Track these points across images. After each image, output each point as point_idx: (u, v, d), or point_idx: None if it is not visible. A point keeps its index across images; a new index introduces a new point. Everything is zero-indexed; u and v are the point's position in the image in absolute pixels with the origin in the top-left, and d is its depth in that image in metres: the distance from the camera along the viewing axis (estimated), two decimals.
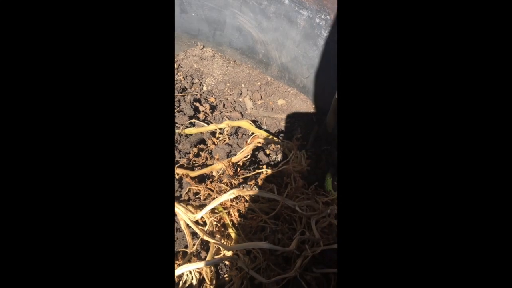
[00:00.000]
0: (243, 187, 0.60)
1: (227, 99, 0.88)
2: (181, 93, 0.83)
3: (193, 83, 0.89)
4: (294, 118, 0.85)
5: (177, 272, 0.49)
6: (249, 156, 0.65)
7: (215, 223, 0.57)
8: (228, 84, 0.92)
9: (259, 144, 0.67)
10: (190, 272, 0.54)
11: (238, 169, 0.63)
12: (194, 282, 0.54)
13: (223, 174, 0.62)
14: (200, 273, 0.55)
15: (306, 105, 0.87)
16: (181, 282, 0.54)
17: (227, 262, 0.58)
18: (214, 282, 0.55)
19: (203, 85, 0.90)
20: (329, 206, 0.59)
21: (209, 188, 0.59)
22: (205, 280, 0.55)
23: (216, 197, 0.55)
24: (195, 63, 0.94)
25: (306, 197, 0.59)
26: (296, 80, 0.88)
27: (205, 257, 0.57)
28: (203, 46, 0.97)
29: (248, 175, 0.63)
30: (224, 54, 0.97)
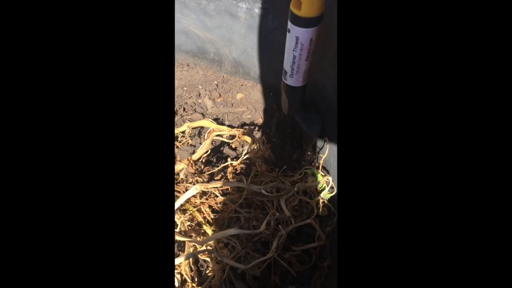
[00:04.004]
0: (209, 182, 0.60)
1: (186, 103, 0.89)
2: None
3: None
4: (254, 109, 0.87)
5: None
6: (211, 152, 0.65)
7: (188, 222, 0.58)
8: (185, 88, 0.92)
9: (221, 139, 0.68)
10: None
11: (203, 167, 0.64)
12: (176, 284, 0.54)
13: (188, 174, 0.62)
14: (181, 275, 0.55)
15: (263, 95, 0.88)
16: None
17: (207, 259, 0.58)
18: (196, 280, 0.55)
19: None
20: (295, 185, 0.61)
21: (176, 190, 0.59)
22: (187, 281, 0.55)
23: None
24: None
25: (272, 180, 0.60)
26: (250, 72, 0.90)
27: None
28: None
29: (214, 170, 0.64)
30: (177, 60, 0.97)
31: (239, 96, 0.90)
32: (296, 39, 0.52)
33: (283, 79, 0.62)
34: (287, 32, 0.53)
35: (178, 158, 0.63)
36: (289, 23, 0.51)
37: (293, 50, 0.54)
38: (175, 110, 0.86)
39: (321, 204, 0.63)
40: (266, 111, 0.86)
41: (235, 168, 0.68)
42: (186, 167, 0.58)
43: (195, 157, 0.61)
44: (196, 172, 0.60)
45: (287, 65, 0.58)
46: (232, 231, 0.48)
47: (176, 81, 0.93)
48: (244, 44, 0.85)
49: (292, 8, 0.49)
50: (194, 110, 0.87)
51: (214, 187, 0.56)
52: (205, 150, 0.63)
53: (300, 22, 0.49)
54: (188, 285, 0.54)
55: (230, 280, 0.56)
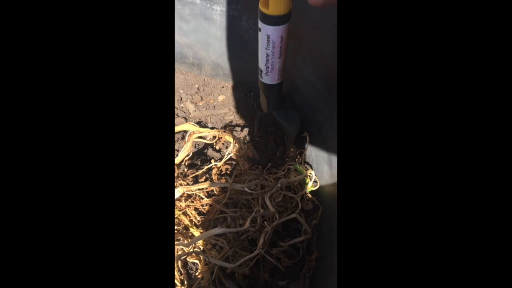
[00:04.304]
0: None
1: None
2: None
3: None
4: (236, 110, 0.87)
5: None
6: (191, 154, 0.66)
7: (175, 226, 0.58)
8: None
9: (203, 141, 0.68)
10: None
11: (186, 170, 0.64)
12: None
13: None
14: None
15: (244, 95, 0.89)
16: None
17: (196, 261, 0.58)
18: (186, 283, 0.55)
19: None
20: (278, 181, 0.61)
21: None
22: (176, 285, 0.55)
23: None
24: None
25: (255, 178, 0.61)
26: (230, 73, 0.91)
27: None
28: None
29: (197, 173, 0.64)
30: None
31: (220, 98, 0.91)
32: (267, 37, 0.52)
33: (259, 78, 0.63)
34: (259, 31, 0.54)
35: None
36: (259, 22, 0.52)
37: (266, 49, 0.55)
38: None
39: (305, 198, 0.64)
40: (248, 111, 0.86)
41: (220, 169, 0.68)
42: None
43: (177, 160, 0.61)
44: (180, 175, 0.60)
45: (261, 63, 0.58)
46: (216, 230, 0.49)
47: None
48: (221, 46, 0.85)
49: (261, 7, 0.50)
50: (177, 115, 0.87)
51: (197, 189, 0.56)
52: (187, 153, 0.63)
53: (269, 20, 0.50)
54: None
55: (220, 280, 0.57)
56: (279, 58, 0.56)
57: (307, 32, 0.61)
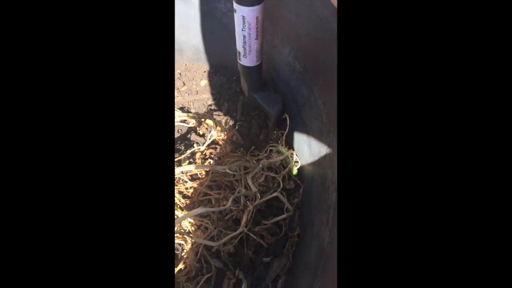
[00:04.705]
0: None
1: None
2: None
3: None
4: (219, 94, 0.87)
5: None
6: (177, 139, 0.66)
7: None
8: None
9: (185, 125, 0.69)
10: None
11: None
12: None
13: None
14: None
15: (226, 79, 0.89)
16: None
17: (182, 242, 0.60)
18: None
19: None
20: (260, 162, 0.63)
21: None
22: None
23: None
24: None
25: (236, 160, 0.62)
26: (211, 58, 0.90)
27: None
28: None
29: (180, 157, 0.65)
30: None
31: (203, 82, 0.91)
32: (243, 18, 0.52)
33: (238, 60, 0.63)
34: (234, 13, 0.53)
35: None
36: (234, 3, 0.52)
37: (242, 30, 0.55)
38: None
39: (287, 178, 0.66)
40: (231, 95, 0.87)
41: (203, 153, 0.69)
42: None
43: None
44: None
45: (239, 45, 0.59)
46: (199, 209, 0.50)
47: None
48: (201, 30, 0.85)
49: None
50: None
51: (180, 172, 0.57)
52: None
53: (244, 1, 0.50)
54: None
55: (205, 259, 0.59)
56: (256, 39, 0.56)
57: (283, 14, 0.61)
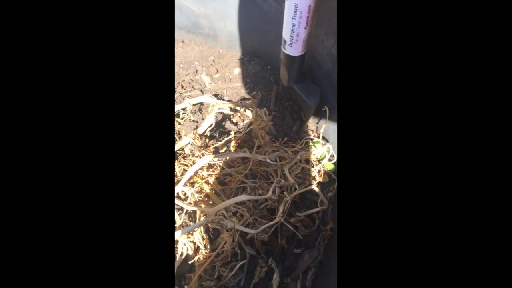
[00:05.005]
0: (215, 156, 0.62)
1: (184, 80, 0.88)
2: None
3: None
4: (253, 83, 0.87)
5: None
6: (214, 126, 0.66)
7: (197, 194, 0.60)
8: (181, 65, 0.91)
9: (222, 111, 0.69)
10: (184, 244, 0.57)
11: (208, 141, 0.65)
12: (190, 252, 0.57)
13: (194, 148, 0.63)
14: (193, 243, 0.58)
15: (261, 68, 0.88)
16: (177, 255, 0.57)
17: (218, 227, 0.61)
18: (208, 247, 0.58)
19: None
20: (298, 154, 0.63)
21: (184, 164, 0.61)
22: (199, 248, 0.58)
23: None
24: None
25: (275, 150, 0.62)
26: (247, 45, 0.89)
27: None
28: None
29: (218, 144, 0.66)
30: None
31: (236, 70, 0.90)
32: (295, 6, 0.51)
33: (282, 49, 0.62)
34: (286, 0, 0.52)
35: (183, 133, 0.64)
36: None
37: (292, 18, 0.54)
38: (174, 87, 0.86)
39: (322, 172, 0.65)
40: (264, 85, 0.86)
41: (238, 141, 0.69)
42: (193, 140, 0.59)
43: (200, 130, 0.62)
44: (202, 145, 0.62)
45: (286, 34, 0.58)
46: (241, 197, 0.50)
47: None
48: (239, 17, 0.84)
49: None
50: (193, 87, 0.87)
51: (222, 159, 0.57)
52: (210, 124, 0.64)
53: None
54: (201, 252, 0.57)
55: (240, 245, 0.59)
56: (305, 28, 0.55)
57: (333, 4, 0.59)
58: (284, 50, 0.61)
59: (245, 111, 0.65)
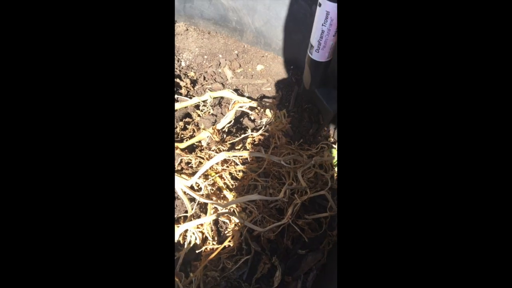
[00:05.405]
0: (231, 152, 0.63)
1: (206, 72, 0.90)
2: None
3: None
4: (274, 82, 0.87)
5: (179, 230, 0.54)
6: (232, 122, 0.68)
7: (210, 187, 0.62)
8: (205, 57, 0.92)
9: (242, 109, 0.70)
10: (193, 233, 0.60)
11: (225, 136, 0.66)
12: (198, 241, 0.60)
13: (211, 142, 0.65)
14: (202, 233, 0.60)
15: (284, 67, 0.88)
16: (185, 243, 0.60)
17: (226, 220, 0.63)
18: (216, 239, 0.60)
19: (181, 61, 0.91)
20: (312, 158, 0.63)
21: (200, 156, 0.62)
22: (207, 238, 0.60)
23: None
24: None
25: (290, 152, 0.63)
26: (272, 43, 0.89)
27: None
28: (175, 21, 0.96)
29: (235, 140, 0.67)
30: (198, 27, 0.96)
31: (259, 67, 0.90)
32: (327, 13, 0.51)
33: (308, 53, 0.62)
34: (318, 6, 0.52)
35: (202, 126, 0.65)
36: None
37: (322, 25, 0.54)
38: (195, 78, 0.88)
39: (335, 177, 0.66)
40: (285, 85, 0.86)
41: (254, 139, 0.71)
42: (211, 135, 0.61)
43: (219, 126, 0.64)
44: (220, 140, 0.63)
45: (314, 39, 0.58)
46: (253, 196, 0.52)
47: (196, 49, 0.93)
48: (267, 14, 0.84)
49: None
50: (214, 80, 0.88)
51: (237, 156, 0.59)
52: (229, 120, 0.65)
53: None
54: (209, 243, 0.59)
55: (246, 241, 0.61)
56: (333, 36, 0.55)
57: None
58: (310, 55, 0.62)
59: (265, 111, 0.66)
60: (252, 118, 0.79)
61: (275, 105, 0.66)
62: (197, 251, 0.59)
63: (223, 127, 0.66)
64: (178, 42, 0.94)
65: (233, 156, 0.61)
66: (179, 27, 0.96)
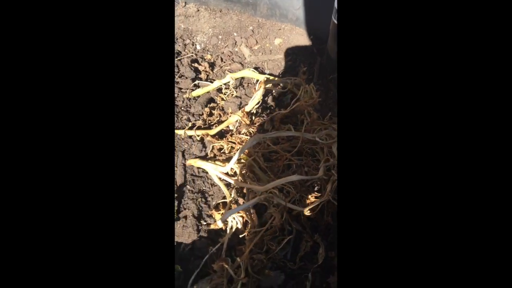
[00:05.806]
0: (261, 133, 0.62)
1: (223, 53, 0.86)
2: (176, 58, 0.82)
3: (185, 45, 0.87)
4: (295, 55, 0.83)
5: (223, 218, 0.55)
6: (260, 103, 0.66)
7: (244, 171, 0.61)
8: (220, 37, 0.89)
9: (267, 88, 0.68)
10: (234, 218, 0.60)
11: (253, 117, 0.65)
12: (239, 226, 0.60)
13: (240, 125, 0.64)
14: (242, 217, 0.60)
15: (303, 38, 0.84)
16: (228, 229, 0.60)
17: (265, 203, 0.63)
18: (256, 222, 0.60)
19: (196, 44, 0.88)
20: None
21: (231, 141, 0.61)
22: (248, 222, 0.60)
23: (239, 147, 0.58)
24: (182, 23, 0.90)
25: (323, 128, 0.61)
26: (288, 14, 0.84)
27: (243, 203, 0.62)
28: (185, 2, 0.92)
29: (263, 120, 0.65)
30: (208, 6, 0.92)
31: (277, 41, 0.86)
32: None
33: (332, 18, 0.58)
34: None
35: (229, 110, 0.64)
36: None
37: None
38: (213, 61, 0.85)
39: None
40: (307, 56, 0.82)
41: (282, 117, 0.68)
42: (240, 118, 0.59)
43: (248, 108, 0.62)
44: (249, 123, 0.61)
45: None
46: (293, 177, 0.51)
47: (210, 30, 0.90)
48: None
49: None
50: (232, 60, 0.85)
51: (270, 137, 0.57)
52: (257, 101, 0.63)
53: None
54: (250, 226, 0.59)
55: (288, 221, 0.61)
56: None
57: None
58: (335, 20, 0.57)
59: (293, 87, 0.63)
60: (277, 95, 0.76)
61: (303, 80, 0.63)
62: (240, 236, 0.60)
63: (251, 109, 0.64)
64: (190, 24, 0.90)
65: (269, 137, 0.59)
66: (190, 8, 0.92)
